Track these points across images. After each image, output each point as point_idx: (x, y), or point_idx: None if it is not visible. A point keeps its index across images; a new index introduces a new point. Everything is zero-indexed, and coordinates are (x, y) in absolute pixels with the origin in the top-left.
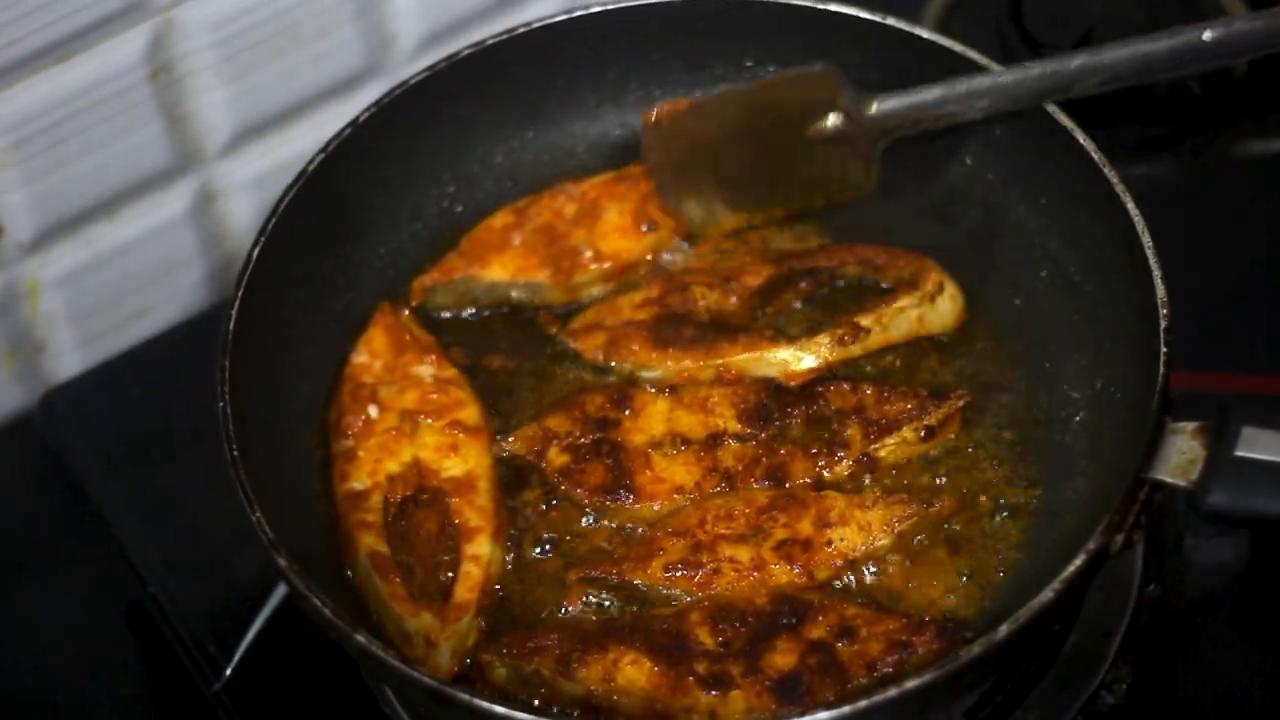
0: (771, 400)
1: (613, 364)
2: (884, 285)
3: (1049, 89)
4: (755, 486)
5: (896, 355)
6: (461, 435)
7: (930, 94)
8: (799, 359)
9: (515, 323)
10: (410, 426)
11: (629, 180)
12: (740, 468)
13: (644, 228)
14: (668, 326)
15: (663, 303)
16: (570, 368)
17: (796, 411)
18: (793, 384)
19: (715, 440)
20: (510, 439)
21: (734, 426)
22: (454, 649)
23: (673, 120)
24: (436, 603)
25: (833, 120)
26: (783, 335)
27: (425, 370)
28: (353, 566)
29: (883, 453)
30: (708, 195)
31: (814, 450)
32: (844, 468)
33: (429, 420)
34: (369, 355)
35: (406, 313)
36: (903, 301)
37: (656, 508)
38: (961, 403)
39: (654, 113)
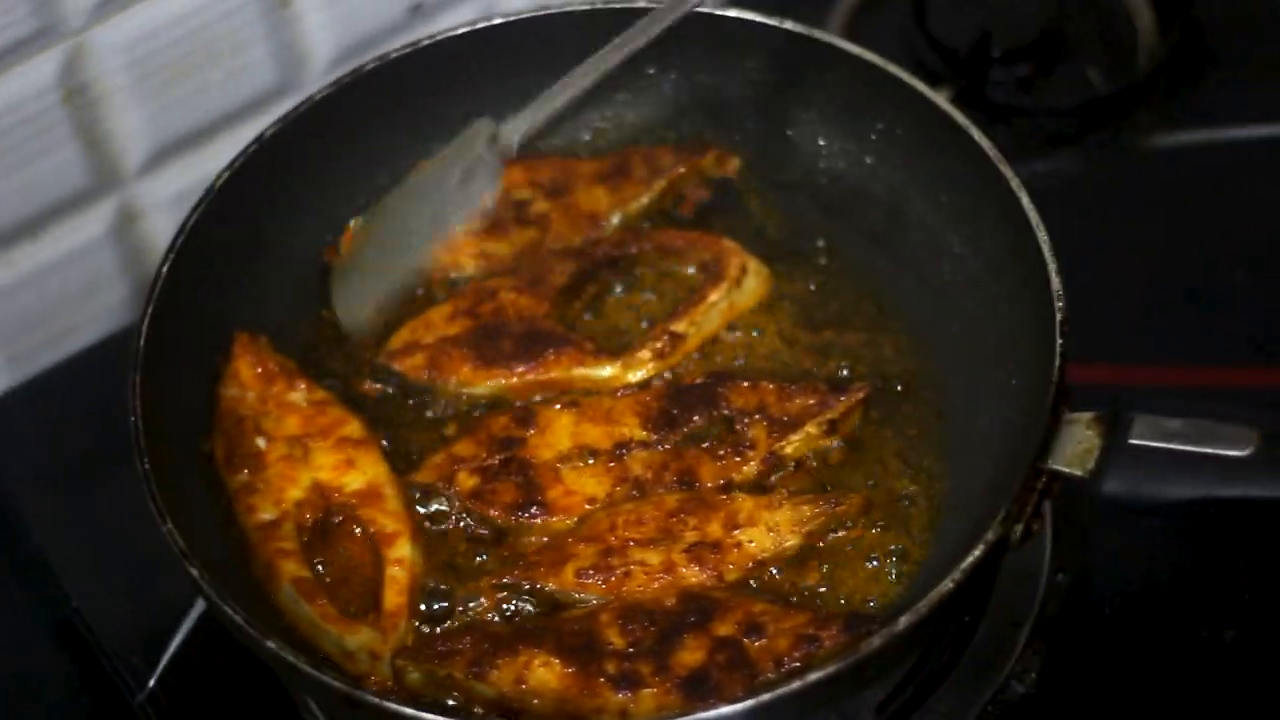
0: (673, 405)
1: (436, 383)
2: (687, 270)
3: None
4: (664, 492)
5: (797, 350)
6: (353, 450)
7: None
8: (623, 375)
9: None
10: (301, 451)
11: None
12: (650, 474)
13: None
14: (486, 341)
15: (473, 313)
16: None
17: (699, 414)
18: (691, 382)
19: (622, 449)
20: (417, 471)
21: (639, 434)
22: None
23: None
24: (370, 615)
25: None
26: (604, 350)
27: (298, 395)
28: (277, 595)
29: (788, 449)
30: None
31: (721, 452)
32: (751, 468)
33: (317, 442)
34: (239, 388)
35: (264, 340)
36: (712, 296)
37: (570, 522)
38: (862, 394)
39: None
